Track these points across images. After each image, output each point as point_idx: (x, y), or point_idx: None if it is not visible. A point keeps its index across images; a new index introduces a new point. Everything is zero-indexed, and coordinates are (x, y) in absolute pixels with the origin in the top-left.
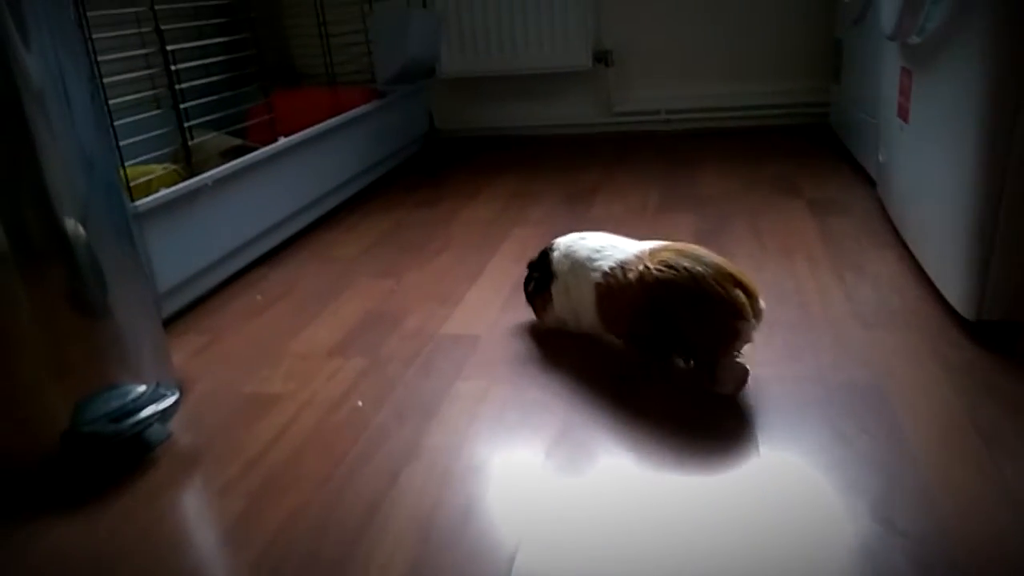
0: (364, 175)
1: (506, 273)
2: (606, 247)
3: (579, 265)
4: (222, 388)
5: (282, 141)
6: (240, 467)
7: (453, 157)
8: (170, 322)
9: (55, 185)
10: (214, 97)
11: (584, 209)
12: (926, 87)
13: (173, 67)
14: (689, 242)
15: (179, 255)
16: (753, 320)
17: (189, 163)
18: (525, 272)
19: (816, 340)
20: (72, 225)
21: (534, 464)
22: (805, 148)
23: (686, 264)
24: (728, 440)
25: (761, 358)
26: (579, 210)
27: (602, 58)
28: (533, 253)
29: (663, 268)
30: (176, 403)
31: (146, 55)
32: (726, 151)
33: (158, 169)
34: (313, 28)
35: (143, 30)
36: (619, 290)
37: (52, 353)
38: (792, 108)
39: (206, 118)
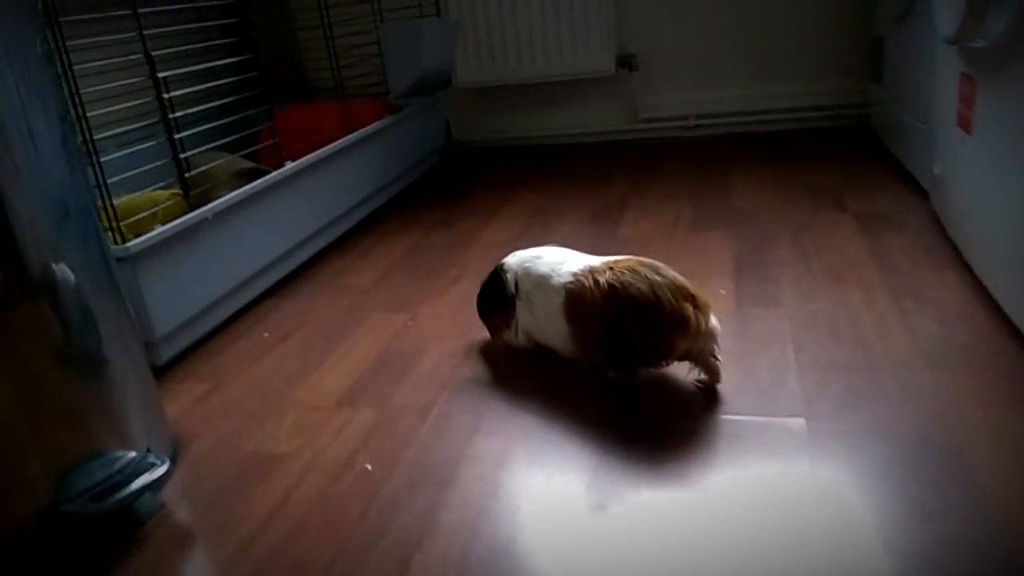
0: (378, 194)
1: None
2: (563, 260)
3: (544, 278)
4: (221, 446)
5: (288, 166)
6: (236, 547)
7: (472, 170)
8: (169, 368)
9: (19, 231)
10: (216, 123)
11: (611, 228)
12: (993, 96)
13: (166, 95)
14: (729, 266)
15: (178, 295)
16: (695, 336)
17: (187, 196)
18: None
19: (878, 385)
20: (40, 273)
21: (567, 545)
22: (845, 153)
23: (645, 273)
24: (782, 508)
25: (817, 409)
26: (606, 229)
27: (626, 62)
28: None
29: (625, 272)
30: (168, 472)
31: (153, 78)
32: (760, 158)
33: (164, 197)
34: (324, 40)
35: (151, 52)
36: (589, 291)
37: (26, 416)
38: (828, 110)
39: (210, 145)
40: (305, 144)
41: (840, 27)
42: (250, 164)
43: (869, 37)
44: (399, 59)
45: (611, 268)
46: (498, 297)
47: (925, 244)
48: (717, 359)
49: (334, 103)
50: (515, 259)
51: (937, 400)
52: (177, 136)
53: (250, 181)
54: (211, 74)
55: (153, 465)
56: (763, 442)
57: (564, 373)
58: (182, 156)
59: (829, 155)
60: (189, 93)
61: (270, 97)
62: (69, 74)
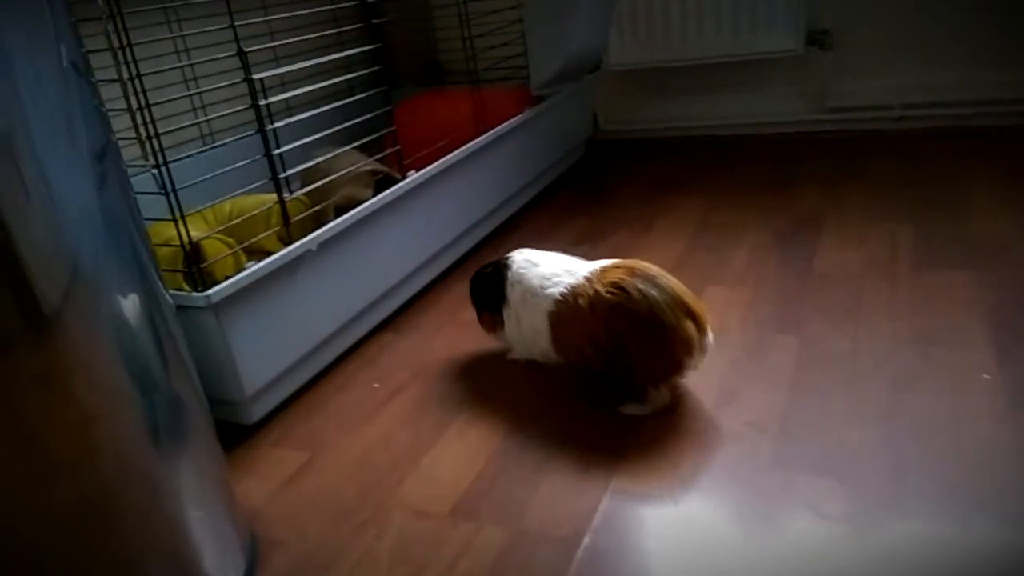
0: (511, 201)
1: (705, 368)
2: (557, 272)
3: (531, 294)
4: (306, 566)
5: (411, 178)
6: None
7: (621, 168)
8: (261, 426)
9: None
10: (326, 132)
11: (804, 256)
12: None
13: (264, 101)
14: (983, 330)
15: (274, 344)
16: (700, 354)
17: (287, 223)
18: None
19: None
20: (61, 344)
21: None
22: None
23: (639, 286)
24: None
25: None
26: (797, 258)
27: (817, 39)
28: (737, 328)
29: (614, 291)
30: None
31: (248, 82)
32: (997, 162)
33: (275, 216)
34: (457, 18)
35: (276, 43)
36: (572, 317)
37: (44, 532)
38: None
39: (346, 148)
40: (430, 147)
41: None
42: (381, 168)
43: None
44: (545, 39)
45: (600, 283)
46: (494, 294)
47: None
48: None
49: (466, 91)
50: (519, 258)
51: None
52: (277, 152)
53: (377, 187)
54: (329, 68)
55: None
56: None
57: (760, 481)
58: (283, 176)
59: None
60: (301, 94)
61: (391, 93)
62: (136, 80)
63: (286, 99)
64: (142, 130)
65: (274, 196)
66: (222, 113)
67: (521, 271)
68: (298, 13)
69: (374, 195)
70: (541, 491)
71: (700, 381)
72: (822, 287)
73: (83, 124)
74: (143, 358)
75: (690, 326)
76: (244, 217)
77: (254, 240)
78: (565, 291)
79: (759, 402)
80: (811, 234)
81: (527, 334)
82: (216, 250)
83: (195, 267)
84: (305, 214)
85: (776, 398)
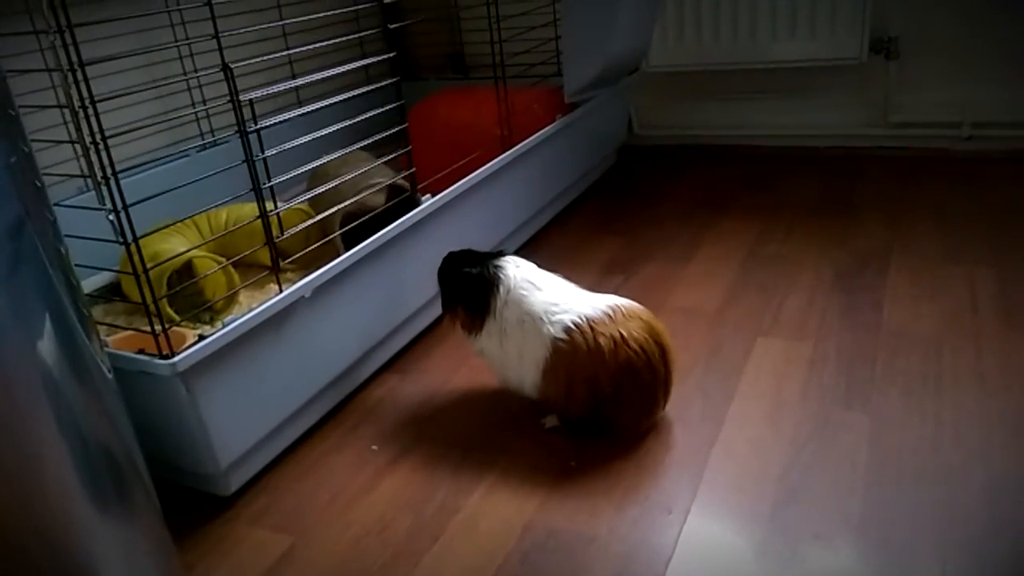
0: (536, 218)
1: (763, 449)
2: (565, 299)
3: (532, 317)
4: None
5: (426, 204)
6: None
7: (657, 179)
8: (243, 494)
9: None
10: (323, 160)
11: (871, 305)
12: None
13: (254, 128)
14: None
15: (255, 407)
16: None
17: (270, 243)
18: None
19: None
20: None
21: None
22: None
23: (651, 351)
24: None
25: None
26: (863, 307)
27: (882, 48)
28: (796, 397)
29: (639, 352)
30: None
31: (233, 103)
32: None
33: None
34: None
35: (267, 55)
36: (583, 352)
37: None
38: None
39: (329, 185)
40: (449, 160)
41: None
42: (402, 184)
43: None
44: (581, 42)
45: (625, 330)
46: (477, 297)
47: None
48: None
49: (490, 89)
50: (515, 273)
51: None
52: (268, 185)
53: (395, 208)
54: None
55: None
56: None
57: None
58: (272, 210)
59: None
60: (300, 115)
61: (407, 86)
62: (84, 96)
63: (280, 123)
64: (97, 169)
65: (272, 205)
66: (223, 127)
67: (522, 292)
68: (307, 18)
69: (388, 211)
70: None
71: (759, 468)
72: (894, 346)
73: None
74: (63, 425)
75: (662, 399)
76: (244, 252)
77: (254, 281)
78: (579, 321)
79: (828, 507)
80: (877, 276)
81: (510, 356)
82: (214, 279)
83: (160, 338)
84: (308, 223)
85: (848, 503)
